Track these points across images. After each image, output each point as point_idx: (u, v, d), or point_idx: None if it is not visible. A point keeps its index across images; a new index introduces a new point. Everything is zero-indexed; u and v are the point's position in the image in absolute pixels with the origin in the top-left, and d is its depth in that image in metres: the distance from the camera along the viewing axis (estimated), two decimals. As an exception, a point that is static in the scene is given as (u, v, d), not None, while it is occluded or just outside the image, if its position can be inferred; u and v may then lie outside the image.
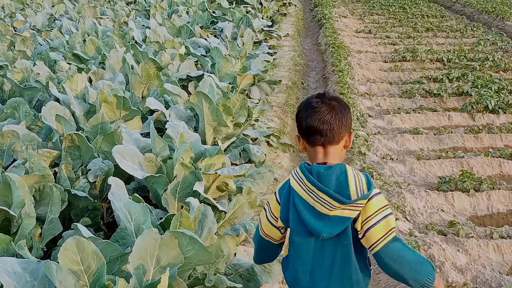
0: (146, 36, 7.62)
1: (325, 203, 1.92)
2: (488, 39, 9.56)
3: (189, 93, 5.51)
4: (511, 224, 3.94)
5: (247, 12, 11.09)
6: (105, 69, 5.68)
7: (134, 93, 4.95)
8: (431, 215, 3.89)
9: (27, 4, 12.50)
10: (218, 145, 4.38)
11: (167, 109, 4.70)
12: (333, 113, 1.98)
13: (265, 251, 2.30)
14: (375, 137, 5.39)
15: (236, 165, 4.52)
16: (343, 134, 2.00)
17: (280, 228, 2.13)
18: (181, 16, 10.42)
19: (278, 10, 13.25)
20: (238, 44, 7.57)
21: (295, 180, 2.00)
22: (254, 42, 8.95)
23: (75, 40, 7.50)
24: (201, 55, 6.96)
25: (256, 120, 5.06)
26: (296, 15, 13.32)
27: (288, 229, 2.12)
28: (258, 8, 12.52)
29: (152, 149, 3.77)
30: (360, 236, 1.97)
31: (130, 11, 11.27)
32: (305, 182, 1.96)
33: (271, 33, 9.73)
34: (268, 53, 8.43)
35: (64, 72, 5.53)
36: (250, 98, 6.05)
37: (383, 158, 4.94)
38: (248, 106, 4.94)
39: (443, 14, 12.62)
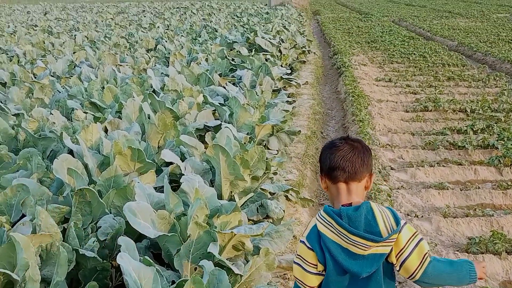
0: (165, 84, 7.57)
1: (359, 244, 2.03)
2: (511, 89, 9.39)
3: (205, 144, 5.40)
4: (548, 291, 3.67)
5: (266, 60, 11.08)
6: (121, 119, 5.60)
7: (149, 144, 4.83)
8: (461, 281, 3.64)
9: (49, 51, 12.67)
10: (235, 201, 4.21)
11: (182, 161, 4.56)
12: (356, 152, 2.14)
13: None
14: (398, 191, 5.17)
15: (253, 221, 4.34)
16: (364, 173, 2.14)
17: (318, 271, 2.17)
18: (200, 63, 10.42)
19: (297, 57, 13.24)
20: (256, 93, 7.47)
21: (323, 224, 2.11)
22: (273, 90, 8.88)
23: (94, 88, 7.48)
24: (219, 103, 6.87)
25: (275, 173, 4.89)
26: (315, 62, 13.30)
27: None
28: (277, 55, 12.52)
29: (165, 205, 3.61)
30: (397, 268, 2.10)
31: (149, 58, 11.32)
32: (335, 226, 2.06)
33: (290, 81, 9.66)
34: (287, 101, 8.34)
35: (80, 121, 5.44)
36: (268, 149, 5.91)
37: (408, 215, 4.71)
38: (266, 159, 4.78)
39: (464, 63, 12.48)
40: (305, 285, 2.19)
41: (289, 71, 10.45)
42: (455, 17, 25.90)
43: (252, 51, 12.35)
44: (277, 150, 5.91)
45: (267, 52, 12.32)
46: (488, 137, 6.50)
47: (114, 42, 13.81)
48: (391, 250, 2.05)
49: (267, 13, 26.38)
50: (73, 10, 34.92)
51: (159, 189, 4.17)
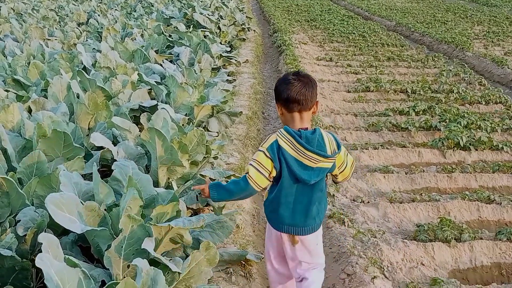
0: (96, 61, 7.07)
1: (311, 159, 2.64)
2: (450, 70, 9.43)
3: (140, 126, 5.03)
4: (497, 279, 3.58)
5: (205, 37, 10.68)
6: (47, 98, 5.12)
7: (78, 127, 4.41)
8: (411, 271, 3.49)
9: (-31, 23, 11.73)
10: (173, 188, 3.89)
11: (115, 146, 4.18)
12: (307, 87, 2.66)
13: (245, 196, 2.94)
14: (344, 176, 5.00)
15: (193, 209, 4.04)
16: (313, 103, 2.70)
17: (271, 179, 2.76)
18: (135, 39, 9.90)
19: (237, 35, 12.88)
20: (195, 71, 7.11)
21: (283, 141, 2.67)
22: (213, 69, 8.52)
23: (18, 63, 6.89)
24: (156, 82, 6.47)
25: (215, 158, 4.59)
26: (256, 40, 13.00)
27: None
28: (216, 32, 12.12)
29: (95, 196, 3.25)
30: (337, 177, 2.86)
31: (81, 32, 10.67)
32: (293, 143, 2.64)
33: (230, 59, 9.33)
34: (227, 80, 8.02)
35: (0, 100, 4.93)
36: (208, 131, 5.60)
37: (354, 200, 4.54)
38: (206, 142, 4.47)
39: (402, 43, 12.52)
40: (257, 184, 2.73)
41: (228, 49, 10.10)
42: (392, -2, 26.16)
43: (190, 28, 11.88)
44: (217, 132, 5.60)
45: (205, 28, 11.90)
46: (430, 119, 6.44)
47: (42, 15, 12.97)
48: (333, 165, 2.73)
49: (205, -12, 25.75)
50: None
51: (88, 177, 3.80)
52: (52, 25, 11.36)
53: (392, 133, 6.25)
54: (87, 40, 9.89)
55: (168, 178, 4.08)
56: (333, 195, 4.54)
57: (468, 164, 5.37)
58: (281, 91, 2.68)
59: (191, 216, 4.02)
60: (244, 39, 12.53)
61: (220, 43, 11.70)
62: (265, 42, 13.72)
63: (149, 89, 6.03)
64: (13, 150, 3.82)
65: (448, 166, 5.22)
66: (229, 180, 4.28)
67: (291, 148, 2.64)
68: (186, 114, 5.55)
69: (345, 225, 3.99)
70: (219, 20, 12.76)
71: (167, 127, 4.19)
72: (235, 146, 5.50)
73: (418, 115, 6.83)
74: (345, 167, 2.81)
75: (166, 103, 5.67)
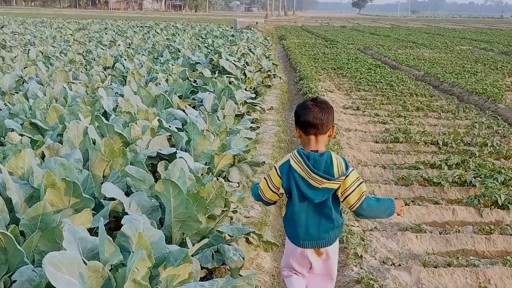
0: (118, 105, 6.93)
1: (317, 180, 2.84)
2: (483, 122, 9.07)
3: (157, 174, 4.78)
4: None
5: (229, 83, 10.56)
6: (62, 143, 4.93)
7: (90, 175, 4.17)
8: None
9: (-2, 65, 11.85)
10: (187, 245, 3.59)
11: (128, 196, 3.93)
12: (323, 112, 2.88)
13: (265, 203, 3.22)
14: (372, 234, 4.63)
15: (207, 269, 3.72)
16: (329, 127, 2.91)
17: (279, 194, 3.05)
18: (159, 84, 9.81)
19: (263, 81, 12.77)
20: (218, 118, 6.90)
21: (295, 162, 2.90)
22: (236, 115, 8.33)
23: (39, 106, 6.79)
24: (176, 129, 6.28)
25: (234, 211, 4.29)
26: (281, 87, 12.85)
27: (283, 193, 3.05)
28: (241, 78, 12.02)
29: (100, 254, 2.97)
30: (341, 200, 2.94)
31: (106, 76, 10.65)
32: (303, 164, 2.86)
33: (254, 105, 9.13)
34: (250, 127, 7.79)
35: (13, 145, 4.75)
36: (228, 181, 5.32)
37: (384, 263, 4.16)
38: (226, 193, 4.18)
39: (431, 94, 12.22)
40: (264, 195, 3.09)
41: (253, 95, 9.92)
42: (420, 48, 26.07)
43: (215, 73, 11.82)
44: (238, 183, 5.33)
45: (231, 74, 11.82)
46: (464, 174, 6.07)
47: (70, 58, 13.07)
48: (339, 187, 2.86)
49: (233, 35, 26.02)
50: (32, 24, 33.82)
51: (97, 231, 3.53)
52: (78, 68, 11.37)
53: (423, 187, 5.89)
54: (111, 84, 9.83)
55: (183, 233, 3.79)
56: (361, 255, 4.18)
57: (507, 225, 4.97)
58: (299, 115, 2.93)
59: (205, 276, 3.72)
60: (269, 86, 12.39)
61: (245, 89, 11.58)
62: (290, 89, 13.55)
63: (169, 135, 5.82)
64: (19, 200, 3.58)
65: (486, 227, 4.83)
66: (248, 237, 4.00)
67: (300, 168, 2.88)
68: (206, 162, 5.30)
69: (375, 293, 3.62)
70: (245, 67, 12.68)
71: (184, 178, 3.93)
72: (256, 199, 5.19)
73: (451, 169, 6.47)
74: (349, 194, 2.89)
75: (186, 150, 5.43)
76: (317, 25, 58.60)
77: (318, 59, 19.89)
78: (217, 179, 4.10)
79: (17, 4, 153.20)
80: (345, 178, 2.84)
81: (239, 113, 8.49)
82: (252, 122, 8.51)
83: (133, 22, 44.38)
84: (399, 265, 4.11)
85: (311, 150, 2.90)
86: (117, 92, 8.20)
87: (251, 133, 6.74)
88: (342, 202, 2.95)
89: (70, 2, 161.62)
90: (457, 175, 6.00)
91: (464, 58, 21.05)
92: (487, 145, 7.57)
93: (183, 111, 7.77)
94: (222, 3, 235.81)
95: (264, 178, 3.06)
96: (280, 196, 3.07)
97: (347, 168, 2.86)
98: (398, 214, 3.09)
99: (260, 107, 9.24)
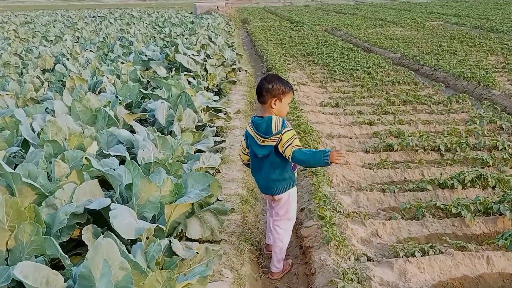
0: (43, 129, 5.42)
1: (259, 139, 3.66)
2: (483, 116, 7.83)
3: (82, 248, 3.37)
4: None
5: (188, 82, 9.10)
6: None
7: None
8: None
9: None
10: None
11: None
12: (264, 85, 3.67)
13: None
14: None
15: None
16: (268, 98, 3.64)
17: (246, 153, 3.93)
18: (104, 90, 8.30)
19: (226, 77, 11.32)
20: (173, 136, 5.48)
21: (248, 126, 3.78)
22: (197, 127, 6.91)
23: None
24: (118, 157, 4.86)
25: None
26: (248, 82, 11.41)
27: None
28: (202, 75, 10.55)
29: None
30: (282, 152, 3.62)
31: (42, 82, 9.06)
32: (251, 127, 3.72)
33: (218, 112, 7.70)
34: (214, 144, 6.38)
35: None
36: (186, 238, 3.93)
37: None
38: (179, 272, 2.79)
39: (415, 81, 10.96)
40: (242, 160, 4.04)
41: (216, 98, 8.48)
42: (389, 26, 24.88)
43: (172, 71, 10.33)
44: (198, 240, 3.93)
45: (190, 72, 10.33)
46: (487, 200, 4.78)
47: (4, 61, 11.36)
48: (278, 144, 3.60)
49: (192, 22, 24.38)
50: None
51: None
52: (10, 74, 9.71)
53: (439, 221, 4.59)
54: (46, 93, 8.27)
55: None
56: None
57: None
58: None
59: None
60: (234, 82, 10.96)
61: (207, 87, 10.15)
62: (257, 82, 12.09)
63: (101, 176, 4.37)
64: None
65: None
66: None
67: (250, 130, 3.73)
68: (154, 216, 3.88)
69: None
70: (206, 61, 11.20)
71: (109, 276, 2.53)
72: (226, 263, 3.82)
73: (465, 188, 5.21)
74: (286, 149, 3.58)
75: (126, 199, 4.01)
76: (280, 5, 56.94)
77: (285, 44, 18.49)
78: (162, 271, 2.70)
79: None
80: (281, 135, 3.56)
81: (199, 124, 7.06)
82: (216, 133, 7.09)
83: (86, 11, 42.08)
84: None
85: (256, 116, 3.74)
86: (47, 108, 6.67)
87: (214, 158, 5.30)
88: (283, 155, 3.62)
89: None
90: (478, 201, 4.72)
91: (438, 35, 19.90)
92: (497, 148, 6.35)
93: (131, 128, 6.33)
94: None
95: (241, 147, 3.96)
96: (248, 155, 3.89)
97: (283, 127, 3.56)
98: (335, 162, 3.58)
99: (225, 113, 7.82)
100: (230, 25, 25.21)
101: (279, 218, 3.93)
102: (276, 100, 3.63)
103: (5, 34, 18.92)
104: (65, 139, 5.28)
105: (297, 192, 4.50)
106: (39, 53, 12.88)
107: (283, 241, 3.98)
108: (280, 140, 3.56)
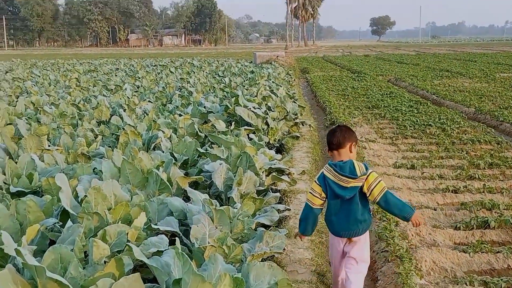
0: (86, 196, 4.79)
1: (344, 181, 3.72)
2: None
3: None
4: None
5: (249, 138, 8.42)
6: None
7: None
8: None
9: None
10: None
11: None
12: (342, 133, 3.85)
13: (311, 218, 3.97)
14: None
15: None
16: (346, 143, 3.82)
17: (322, 198, 3.88)
18: (158, 146, 7.72)
19: (289, 131, 10.61)
20: (231, 212, 4.72)
21: (327, 171, 3.82)
22: (258, 191, 6.15)
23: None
24: (167, 233, 4.14)
25: None
26: (311, 137, 10.64)
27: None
28: (263, 129, 9.89)
29: None
30: (368, 194, 3.76)
31: (95, 137, 8.60)
32: (332, 171, 3.77)
33: (281, 173, 6.93)
34: (278, 210, 5.58)
35: None
36: None
37: None
38: None
39: (497, 139, 9.87)
40: (313, 203, 3.89)
41: (278, 157, 7.73)
42: (456, 77, 23.77)
43: (231, 124, 9.71)
44: None
45: (250, 126, 9.68)
46: None
47: (60, 111, 11.08)
48: (363, 185, 3.72)
49: (252, 71, 24.05)
50: (41, 67, 32.32)
51: None
52: (61, 127, 9.31)
53: None
54: (99, 148, 7.76)
55: None
56: None
57: None
58: (327, 138, 3.93)
59: None
60: (297, 137, 10.23)
61: (269, 142, 9.45)
62: (322, 138, 11.29)
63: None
64: None
65: None
66: None
67: (331, 175, 3.78)
68: (208, 322, 3.09)
69: None
70: (267, 114, 10.54)
71: None
72: None
73: None
74: (374, 188, 3.72)
75: (174, 297, 3.23)
76: (339, 55, 56.67)
77: (348, 95, 17.73)
78: None
79: (40, 45, 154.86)
80: (367, 177, 3.72)
81: (261, 188, 6.30)
82: (280, 200, 6.31)
83: (148, 60, 42.86)
84: None
85: (337, 161, 3.83)
86: (95, 168, 6.08)
87: (280, 237, 4.46)
88: (368, 196, 3.77)
89: (91, 41, 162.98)
90: None
91: (510, 88, 18.68)
92: None
93: (184, 193, 5.64)
94: (242, 35, 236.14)
95: (309, 192, 3.95)
96: (323, 200, 3.90)
97: (366, 169, 3.74)
98: (414, 225, 3.86)
99: (288, 173, 7.04)
100: (290, 75, 24.75)
101: (355, 262, 3.90)
102: (354, 144, 3.88)
103: (67, 83, 19.02)
104: (110, 209, 4.62)
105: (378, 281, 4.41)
106: (98, 103, 12.58)
107: (357, 284, 3.90)
108: (366, 180, 3.73)
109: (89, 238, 4.07)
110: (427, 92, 18.24)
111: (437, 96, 16.95)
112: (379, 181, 3.74)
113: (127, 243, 3.56)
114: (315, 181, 3.90)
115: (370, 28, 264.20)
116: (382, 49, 76.55)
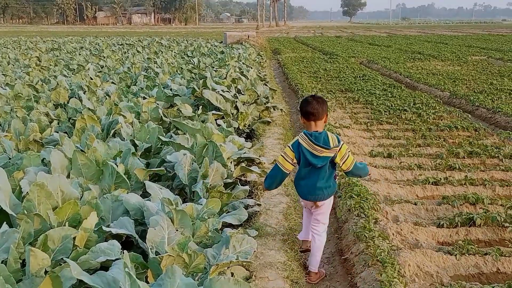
0: (28, 194, 4.20)
1: (317, 150, 4.00)
2: None
3: None
4: None
5: (218, 125, 7.89)
6: None
7: None
8: None
9: None
10: None
11: None
12: (319, 104, 4.06)
13: (278, 178, 4.29)
14: None
15: None
16: (322, 115, 4.08)
17: (293, 163, 4.17)
18: (118, 132, 7.12)
19: (260, 116, 10.09)
20: (194, 211, 4.21)
21: (302, 140, 4.07)
22: (225, 184, 5.64)
23: None
24: (100, 277, 3.62)
25: None
26: (283, 123, 10.13)
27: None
28: (232, 114, 9.35)
29: None
30: (341, 165, 4.10)
31: (50, 121, 7.93)
32: (307, 140, 4.04)
33: (251, 165, 6.43)
34: (247, 205, 5.08)
35: None
36: None
37: None
38: None
39: (475, 126, 9.52)
40: (284, 167, 4.17)
41: (248, 145, 7.22)
42: (429, 60, 23.55)
43: (199, 108, 9.15)
44: None
45: (218, 110, 9.14)
46: None
47: (15, 92, 10.33)
48: (335, 155, 4.04)
49: (222, 52, 23.37)
50: (1, 45, 30.97)
51: None
52: (16, 110, 8.62)
53: None
54: (53, 134, 7.12)
55: None
56: None
57: None
58: (303, 107, 4.11)
59: None
60: (268, 122, 9.72)
61: (238, 128, 8.93)
62: (294, 122, 10.80)
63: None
64: None
65: None
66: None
67: (306, 143, 4.05)
68: None
69: None
70: (237, 97, 10.00)
71: None
72: None
73: None
74: (347, 159, 4.09)
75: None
76: (311, 35, 56.17)
77: (320, 77, 17.27)
78: None
79: (4, 21, 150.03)
80: (339, 148, 4.05)
81: (229, 179, 5.79)
82: (249, 194, 5.82)
83: (115, 38, 41.60)
84: None
85: (312, 131, 4.08)
86: (44, 159, 5.47)
87: (248, 241, 3.95)
88: (341, 166, 4.12)
89: (58, 18, 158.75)
90: None
91: (485, 71, 18.49)
92: None
93: (144, 188, 5.10)
94: (212, 15, 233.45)
95: (281, 155, 4.21)
96: (294, 165, 4.20)
97: (338, 142, 4.07)
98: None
99: (259, 165, 6.54)
100: (261, 56, 24.15)
101: (318, 223, 4.35)
102: (327, 114, 4.17)
103: (27, 61, 18.07)
104: (56, 208, 4.05)
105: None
106: (57, 84, 11.82)
107: (322, 241, 4.38)
108: (339, 151, 4.06)
109: (27, 245, 3.52)
110: (400, 75, 17.91)
111: (410, 79, 16.63)
112: (349, 152, 4.15)
113: (67, 261, 3.00)
114: (288, 146, 4.17)
115: (341, 9, 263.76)
116: (354, 30, 76.25)
